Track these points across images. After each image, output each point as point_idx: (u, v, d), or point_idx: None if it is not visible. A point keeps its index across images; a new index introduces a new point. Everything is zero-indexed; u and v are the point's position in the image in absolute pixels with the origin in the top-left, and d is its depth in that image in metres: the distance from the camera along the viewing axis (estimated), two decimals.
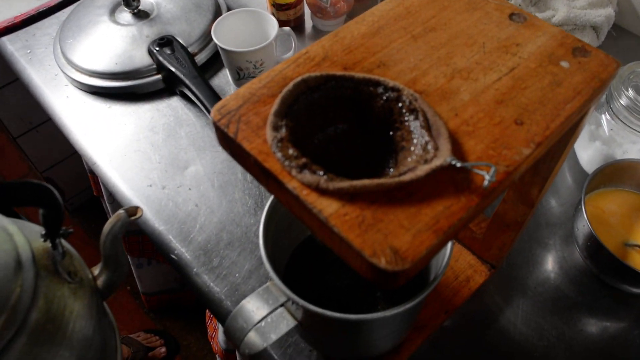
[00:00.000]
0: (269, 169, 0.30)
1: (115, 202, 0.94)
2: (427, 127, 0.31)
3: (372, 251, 0.26)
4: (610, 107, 0.62)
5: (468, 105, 0.33)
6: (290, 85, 0.32)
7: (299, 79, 0.32)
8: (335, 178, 0.28)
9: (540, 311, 0.56)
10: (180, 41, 0.75)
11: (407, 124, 0.32)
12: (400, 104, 0.32)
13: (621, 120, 0.61)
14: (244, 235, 0.62)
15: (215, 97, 0.69)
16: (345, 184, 0.28)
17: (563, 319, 0.56)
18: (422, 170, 0.28)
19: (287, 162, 0.29)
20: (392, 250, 0.26)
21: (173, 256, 0.61)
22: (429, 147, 0.30)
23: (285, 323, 0.44)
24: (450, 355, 0.54)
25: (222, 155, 0.70)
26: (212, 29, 0.71)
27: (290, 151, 0.29)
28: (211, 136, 0.72)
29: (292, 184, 0.29)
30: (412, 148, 0.31)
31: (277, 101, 0.31)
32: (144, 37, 0.76)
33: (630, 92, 0.60)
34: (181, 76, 0.71)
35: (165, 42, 0.74)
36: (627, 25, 0.86)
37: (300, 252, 0.53)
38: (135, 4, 0.78)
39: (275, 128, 0.30)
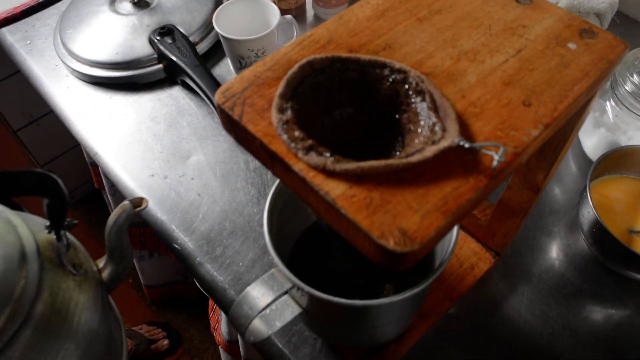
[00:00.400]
0: (275, 152, 0.29)
1: (117, 194, 0.93)
2: (435, 108, 0.30)
3: (380, 232, 0.26)
4: (615, 94, 0.62)
5: (475, 87, 0.32)
6: (296, 67, 0.31)
7: (304, 60, 0.32)
8: (342, 160, 0.28)
9: (544, 298, 0.56)
10: (181, 30, 0.75)
11: (413, 105, 0.31)
12: (406, 86, 0.32)
13: (626, 107, 0.61)
14: (247, 224, 0.62)
15: (216, 86, 0.69)
16: (352, 165, 0.28)
17: (568, 306, 0.55)
18: (430, 151, 0.28)
19: (293, 145, 0.29)
20: (400, 231, 0.26)
21: (176, 246, 0.61)
22: (437, 128, 0.29)
23: (290, 310, 0.43)
24: (454, 343, 0.54)
25: (224, 144, 0.70)
26: (214, 18, 0.70)
27: (296, 133, 0.29)
28: (213, 125, 0.72)
29: (298, 166, 0.28)
30: (419, 130, 0.30)
31: (283, 83, 0.31)
32: (145, 27, 0.76)
33: (635, 78, 0.60)
34: (182, 65, 0.71)
35: (166, 31, 0.74)
36: (631, 12, 0.85)
37: (303, 241, 0.53)
38: None
39: (281, 110, 0.30)
